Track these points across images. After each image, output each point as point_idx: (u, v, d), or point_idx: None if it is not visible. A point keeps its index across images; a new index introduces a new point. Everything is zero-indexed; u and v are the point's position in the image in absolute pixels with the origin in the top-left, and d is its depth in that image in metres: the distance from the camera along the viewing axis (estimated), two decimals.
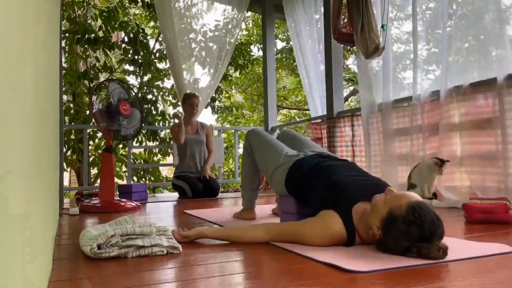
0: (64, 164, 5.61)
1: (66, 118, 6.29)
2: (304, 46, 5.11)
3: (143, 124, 3.33)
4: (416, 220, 1.30)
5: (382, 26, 3.58)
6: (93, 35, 6.33)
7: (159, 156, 7.38)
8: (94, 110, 3.18)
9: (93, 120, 3.29)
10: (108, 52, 6.95)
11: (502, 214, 2.02)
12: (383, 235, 1.39)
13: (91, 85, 6.67)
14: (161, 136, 7.37)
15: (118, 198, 3.26)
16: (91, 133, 6.39)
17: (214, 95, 7.35)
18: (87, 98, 6.98)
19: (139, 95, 3.45)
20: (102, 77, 7.42)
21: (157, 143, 7.15)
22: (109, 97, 3.18)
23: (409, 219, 1.31)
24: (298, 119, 9.68)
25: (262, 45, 6.25)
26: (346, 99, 9.66)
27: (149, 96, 7.27)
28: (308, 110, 5.98)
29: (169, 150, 6.79)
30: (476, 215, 2.10)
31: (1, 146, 0.48)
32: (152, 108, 7.06)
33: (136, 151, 7.50)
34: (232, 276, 1.21)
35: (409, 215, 1.32)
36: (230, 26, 5.50)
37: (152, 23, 8.25)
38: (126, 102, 3.17)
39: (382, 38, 3.58)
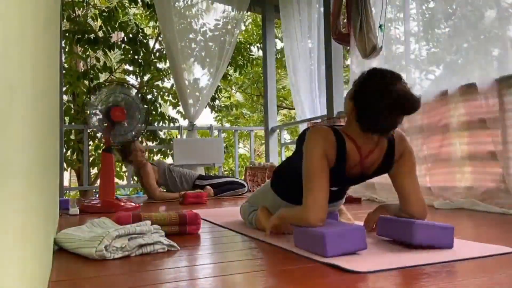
0: (64, 164, 5.61)
1: (66, 118, 6.29)
2: (295, 47, 5.12)
3: (143, 125, 3.29)
4: (375, 71, 1.52)
5: (380, 26, 3.58)
6: (93, 35, 6.32)
7: (159, 156, 7.37)
8: (89, 112, 3.15)
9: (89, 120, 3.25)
10: (108, 52, 6.95)
11: None
12: (357, 101, 1.53)
13: (91, 85, 6.68)
14: (161, 136, 7.36)
15: (118, 198, 3.26)
16: (91, 133, 6.39)
17: (213, 94, 7.37)
18: (87, 99, 6.98)
19: (139, 95, 3.40)
20: (102, 77, 7.42)
21: (157, 143, 7.14)
22: (104, 102, 3.14)
23: (368, 74, 1.52)
24: (297, 119, 9.70)
25: (262, 45, 6.26)
26: None
27: (149, 96, 7.27)
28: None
29: (169, 151, 6.79)
30: None
31: (1, 146, 0.48)
32: (152, 108, 7.06)
33: None
34: (233, 276, 1.21)
35: (366, 73, 1.53)
36: (229, 26, 5.50)
37: (152, 23, 8.25)
38: (118, 108, 3.10)
39: (380, 38, 3.58)
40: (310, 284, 1.09)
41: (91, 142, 6.70)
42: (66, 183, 8.64)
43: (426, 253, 1.39)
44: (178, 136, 5.80)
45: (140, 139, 6.70)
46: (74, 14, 6.68)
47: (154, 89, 7.48)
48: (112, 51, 6.87)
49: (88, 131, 5.30)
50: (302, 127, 5.37)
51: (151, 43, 7.61)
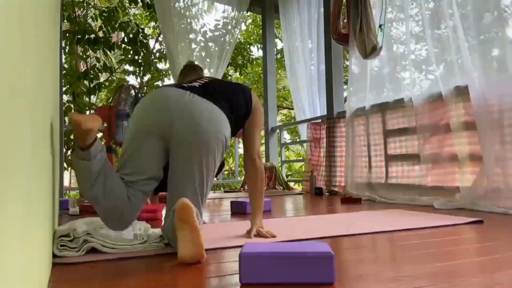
0: (64, 164, 5.61)
1: (66, 118, 6.28)
2: (295, 47, 5.12)
3: None
4: None
5: (380, 26, 3.58)
6: (93, 35, 6.33)
7: None
8: (119, 107, 3.18)
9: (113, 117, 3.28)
10: (108, 52, 6.94)
11: None
12: None
13: (91, 85, 6.67)
14: None
15: None
16: None
17: None
18: (87, 98, 6.98)
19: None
20: (102, 77, 7.42)
21: None
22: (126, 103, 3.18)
23: None
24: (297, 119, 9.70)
25: (262, 45, 6.26)
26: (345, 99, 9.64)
27: None
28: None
29: None
30: None
31: (1, 146, 0.48)
32: None
33: None
34: (232, 276, 1.21)
35: None
36: (229, 26, 5.51)
37: (152, 23, 8.25)
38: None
39: (380, 38, 3.58)
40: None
41: None
42: (66, 183, 8.63)
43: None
44: None
45: None
46: (74, 14, 6.67)
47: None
48: (112, 51, 6.88)
49: None
50: (302, 127, 5.37)
51: (151, 43, 7.61)
